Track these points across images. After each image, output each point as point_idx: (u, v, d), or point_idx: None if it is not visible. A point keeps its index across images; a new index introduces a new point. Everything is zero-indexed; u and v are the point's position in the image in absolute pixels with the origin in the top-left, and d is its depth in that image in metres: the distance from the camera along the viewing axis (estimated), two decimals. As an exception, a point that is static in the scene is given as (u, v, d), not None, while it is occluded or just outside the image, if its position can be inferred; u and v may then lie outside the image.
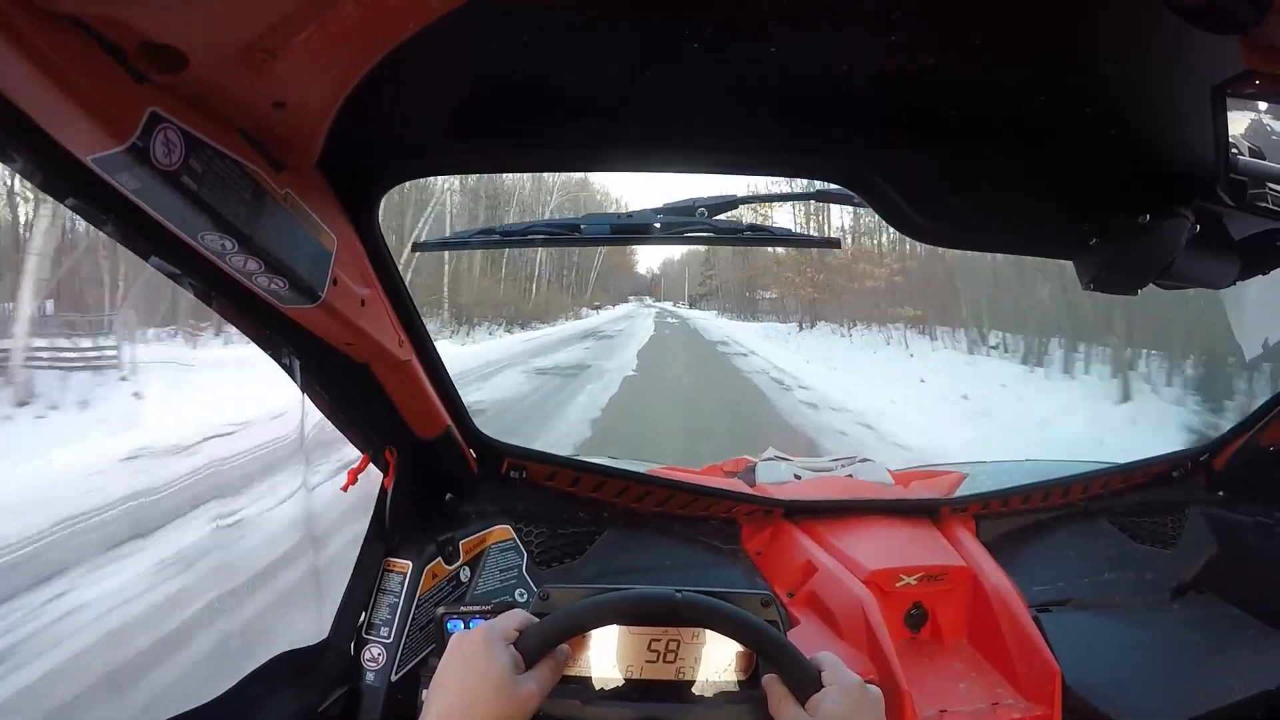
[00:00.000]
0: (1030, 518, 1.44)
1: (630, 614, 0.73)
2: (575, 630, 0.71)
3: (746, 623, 0.70)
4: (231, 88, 0.49)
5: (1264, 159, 0.74)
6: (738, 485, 1.46)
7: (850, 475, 1.66)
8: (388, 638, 0.97)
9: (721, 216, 0.99)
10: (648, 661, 0.77)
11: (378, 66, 0.51)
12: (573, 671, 0.75)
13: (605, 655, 0.77)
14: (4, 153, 0.49)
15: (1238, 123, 0.72)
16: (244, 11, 0.43)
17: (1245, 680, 1.12)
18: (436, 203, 24.00)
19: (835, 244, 1.27)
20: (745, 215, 1.06)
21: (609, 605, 0.71)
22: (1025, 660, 1.11)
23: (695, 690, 0.77)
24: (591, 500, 1.26)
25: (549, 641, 0.69)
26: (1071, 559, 1.37)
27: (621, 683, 0.77)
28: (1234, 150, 0.72)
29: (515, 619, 0.70)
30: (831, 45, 0.63)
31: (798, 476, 1.63)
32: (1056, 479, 1.43)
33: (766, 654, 0.70)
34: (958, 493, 1.46)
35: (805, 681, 0.67)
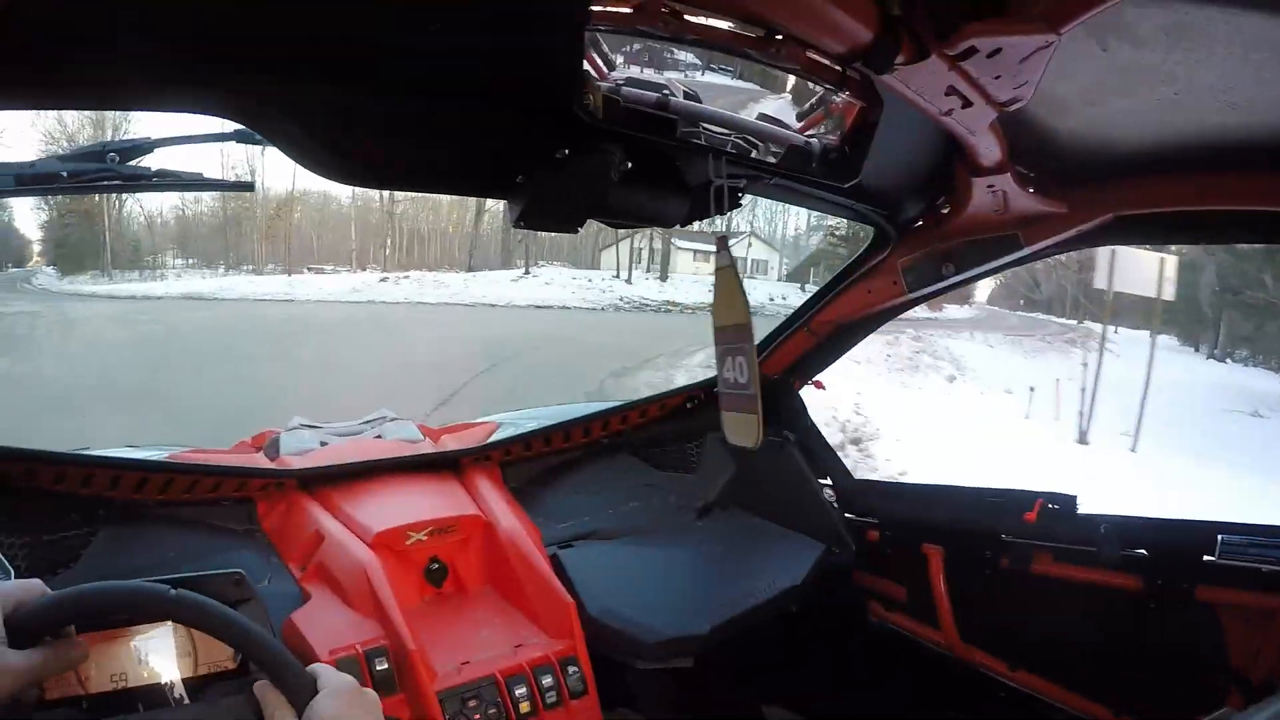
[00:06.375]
0: (555, 459, 1.48)
1: (115, 607, 0.68)
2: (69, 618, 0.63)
3: (229, 625, 0.66)
4: None
5: (700, 102, 0.79)
6: (259, 460, 1.37)
7: (379, 436, 1.56)
8: None
9: (135, 162, 0.95)
10: (138, 663, 0.76)
11: None
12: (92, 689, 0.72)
13: (104, 667, 0.74)
14: None
15: (674, 70, 0.77)
16: None
17: (773, 580, 1.23)
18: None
19: (249, 187, 1.28)
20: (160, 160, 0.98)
21: (102, 594, 0.65)
22: (543, 598, 1.14)
23: (179, 691, 0.77)
24: (81, 498, 1.09)
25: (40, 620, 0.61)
26: (595, 494, 1.43)
27: (115, 693, 0.75)
28: (666, 92, 0.76)
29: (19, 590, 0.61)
30: None
31: (324, 444, 1.49)
32: (576, 418, 1.48)
33: (258, 662, 0.66)
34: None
35: (299, 689, 0.64)
